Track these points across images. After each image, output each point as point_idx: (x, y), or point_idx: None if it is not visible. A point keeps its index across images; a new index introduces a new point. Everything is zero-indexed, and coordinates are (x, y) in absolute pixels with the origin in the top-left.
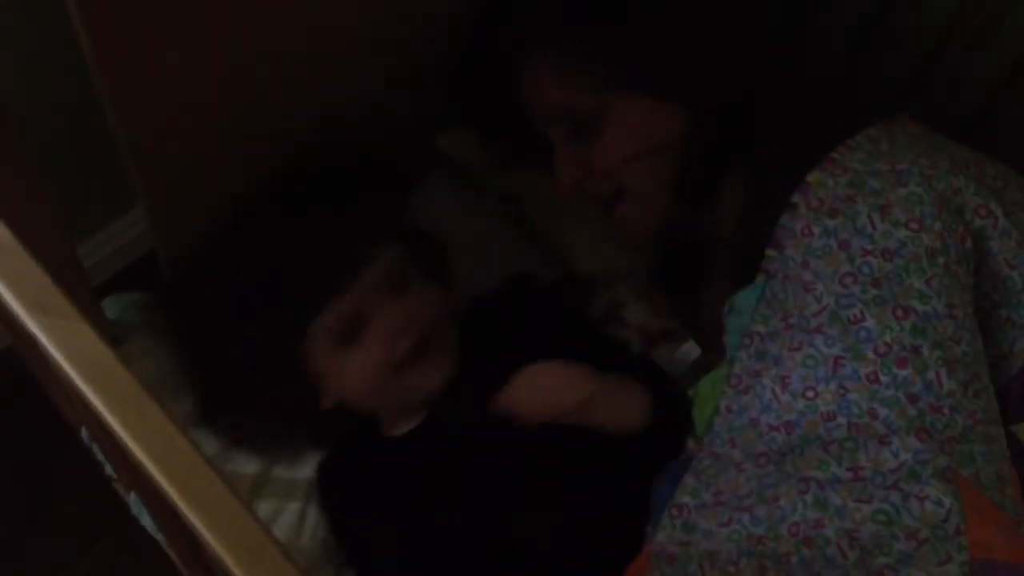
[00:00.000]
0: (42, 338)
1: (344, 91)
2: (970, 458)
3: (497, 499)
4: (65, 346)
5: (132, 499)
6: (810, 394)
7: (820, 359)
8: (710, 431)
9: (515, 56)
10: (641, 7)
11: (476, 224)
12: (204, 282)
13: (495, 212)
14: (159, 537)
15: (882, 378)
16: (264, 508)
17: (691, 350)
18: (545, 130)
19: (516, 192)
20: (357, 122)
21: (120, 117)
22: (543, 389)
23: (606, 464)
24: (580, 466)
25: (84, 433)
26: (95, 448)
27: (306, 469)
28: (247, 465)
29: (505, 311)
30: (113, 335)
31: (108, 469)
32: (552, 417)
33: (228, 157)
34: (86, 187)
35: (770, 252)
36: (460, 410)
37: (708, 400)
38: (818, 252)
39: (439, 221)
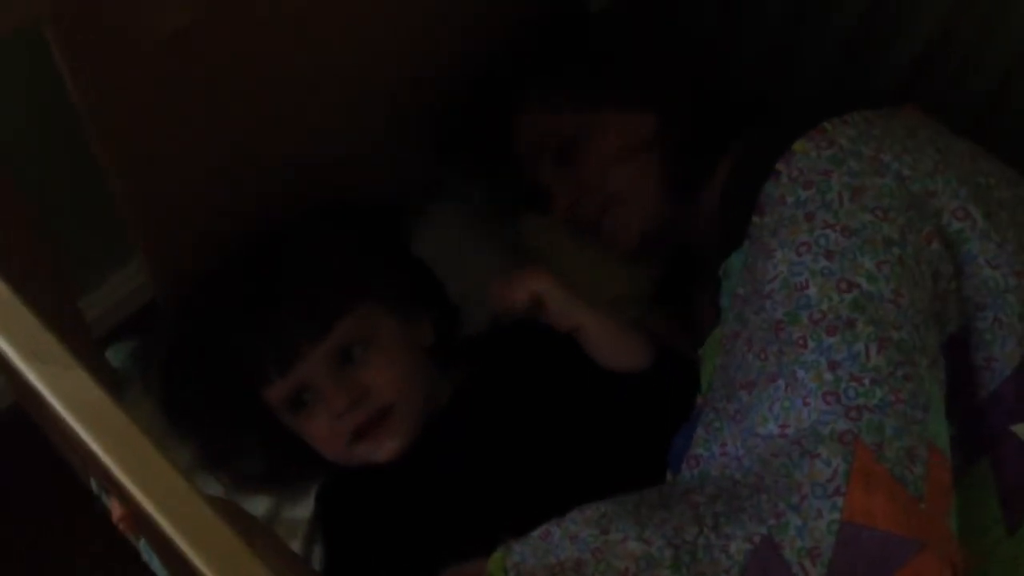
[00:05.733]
0: (40, 387)
1: (345, 130)
2: (879, 428)
3: (501, 510)
4: (63, 393)
5: (142, 545)
6: (763, 355)
7: (769, 323)
8: (711, 388)
9: (506, 102)
10: (603, 41)
11: (479, 250)
12: (171, 354)
13: (498, 237)
14: None
15: (809, 343)
16: None
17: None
18: (535, 167)
19: (516, 217)
20: (358, 156)
21: (113, 169)
22: (509, 282)
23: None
24: (586, 459)
25: (93, 484)
26: (103, 496)
27: (309, 507)
28: (256, 506)
29: (521, 335)
30: (118, 381)
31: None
32: (520, 305)
33: (224, 202)
34: (93, 234)
35: (755, 219)
36: (459, 436)
37: (710, 359)
38: (786, 221)
39: (443, 248)
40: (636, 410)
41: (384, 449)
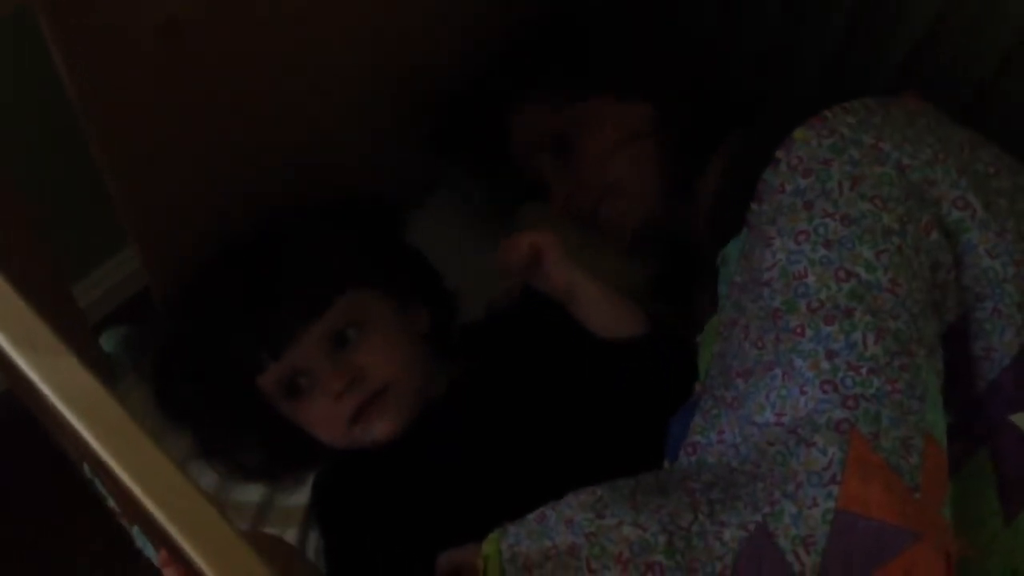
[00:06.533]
0: (33, 375)
1: (345, 130)
2: (875, 418)
3: (498, 494)
4: (56, 382)
5: (136, 532)
6: (760, 344)
7: (767, 312)
8: (709, 375)
9: (505, 100)
10: (601, 39)
11: (479, 249)
12: (165, 344)
13: (498, 236)
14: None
15: (807, 332)
16: None
17: None
18: (535, 165)
19: (513, 210)
20: (358, 156)
21: (109, 168)
22: (508, 244)
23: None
24: (584, 447)
25: (86, 468)
26: (96, 483)
27: (305, 494)
28: (250, 494)
29: (517, 324)
30: (111, 367)
31: (111, 502)
32: (520, 265)
33: (217, 195)
34: (89, 219)
35: (753, 207)
36: (457, 420)
37: (708, 346)
38: (785, 209)
39: (442, 246)
40: (632, 393)
41: (378, 429)
